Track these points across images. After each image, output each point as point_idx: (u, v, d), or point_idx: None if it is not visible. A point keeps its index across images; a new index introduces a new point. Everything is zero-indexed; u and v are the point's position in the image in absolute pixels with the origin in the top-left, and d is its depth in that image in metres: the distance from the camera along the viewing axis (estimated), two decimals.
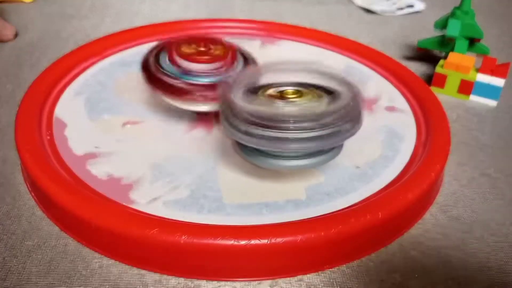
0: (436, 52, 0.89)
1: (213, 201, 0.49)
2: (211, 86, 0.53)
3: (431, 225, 0.52)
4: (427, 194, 0.53)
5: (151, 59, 0.57)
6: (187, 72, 0.54)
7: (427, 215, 0.53)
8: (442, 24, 0.82)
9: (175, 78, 0.54)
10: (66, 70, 0.68)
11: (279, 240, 0.43)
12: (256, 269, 0.45)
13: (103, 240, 0.46)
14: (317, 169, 0.54)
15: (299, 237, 0.43)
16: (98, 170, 0.52)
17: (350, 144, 0.58)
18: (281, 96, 0.49)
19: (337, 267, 0.46)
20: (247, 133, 0.45)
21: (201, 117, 0.62)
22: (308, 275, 0.45)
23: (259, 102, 0.48)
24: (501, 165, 0.62)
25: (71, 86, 0.66)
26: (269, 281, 0.45)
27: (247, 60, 0.58)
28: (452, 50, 0.81)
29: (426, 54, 0.89)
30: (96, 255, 0.46)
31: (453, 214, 0.54)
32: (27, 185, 0.53)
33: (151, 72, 0.56)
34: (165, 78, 0.54)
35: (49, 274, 0.44)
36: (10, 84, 0.72)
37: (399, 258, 0.48)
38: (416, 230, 0.51)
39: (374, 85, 0.72)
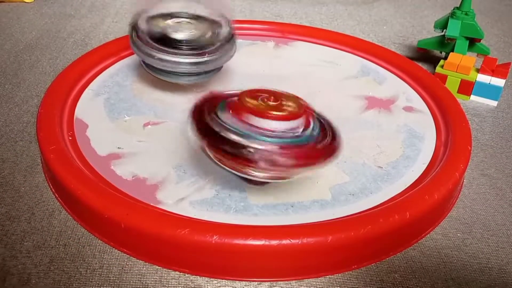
0: (436, 52, 0.89)
1: (239, 201, 0.49)
2: (283, 150, 0.42)
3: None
4: (452, 194, 0.53)
5: (206, 107, 0.47)
6: (253, 130, 0.43)
7: None
8: (442, 24, 0.82)
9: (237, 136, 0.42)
10: (84, 71, 0.68)
11: (310, 240, 0.43)
12: (285, 269, 0.45)
13: (132, 240, 0.46)
14: (341, 169, 0.54)
15: (329, 237, 0.43)
16: (123, 171, 0.52)
17: (371, 144, 0.59)
18: (177, 25, 0.61)
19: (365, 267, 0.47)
20: (148, 54, 0.59)
21: None
22: (307, 276, 0.45)
23: (158, 28, 0.60)
24: (501, 165, 0.62)
25: (90, 87, 0.67)
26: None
27: (323, 124, 0.48)
28: (452, 50, 0.81)
29: (426, 55, 0.89)
30: (96, 255, 0.46)
31: (453, 214, 0.53)
32: (50, 186, 0.53)
33: (205, 123, 0.45)
34: (225, 135, 0.43)
35: (49, 275, 0.44)
36: (9, 84, 0.72)
37: (399, 258, 0.48)
38: None
39: (391, 85, 0.73)
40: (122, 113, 0.62)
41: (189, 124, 0.45)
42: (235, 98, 0.46)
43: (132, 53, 0.75)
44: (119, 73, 0.70)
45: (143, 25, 0.60)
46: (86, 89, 0.66)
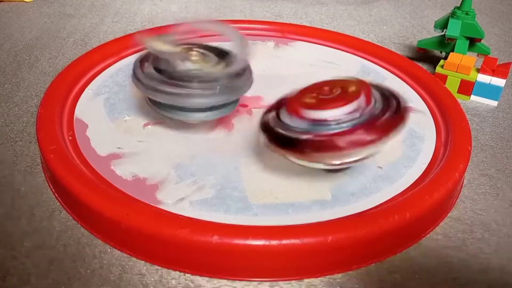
0: (436, 52, 0.89)
1: (239, 201, 0.49)
2: (350, 132, 0.44)
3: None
4: (451, 194, 0.53)
5: (271, 116, 0.49)
6: (317, 123, 0.45)
7: None
8: (442, 24, 0.82)
9: (305, 133, 0.45)
10: (83, 71, 0.68)
11: (310, 240, 0.43)
12: (285, 269, 0.45)
13: (132, 240, 0.46)
14: (340, 170, 0.54)
15: (329, 237, 0.43)
16: (123, 171, 0.52)
17: None
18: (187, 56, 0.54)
19: (365, 267, 0.47)
20: (156, 90, 0.51)
21: (221, 118, 0.60)
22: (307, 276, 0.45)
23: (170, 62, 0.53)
24: (501, 165, 0.62)
25: (89, 87, 0.67)
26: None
27: (385, 94, 0.50)
28: (452, 50, 0.81)
29: (426, 55, 0.89)
30: (96, 255, 0.46)
31: (453, 214, 0.53)
32: (50, 186, 0.53)
33: (274, 130, 0.47)
34: (292, 134, 0.46)
35: (49, 275, 0.43)
36: (8, 84, 0.72)
37: (399, 258, 0.48)
38: None
39: (391, 85, 0.72)
40: (122, 113, 0.62)
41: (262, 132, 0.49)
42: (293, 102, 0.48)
43: (131, 53, 0.75)
44: (119, 73, 0.70)
45: (150, 57, 0.54)
46: (86, 89, 0.66)
